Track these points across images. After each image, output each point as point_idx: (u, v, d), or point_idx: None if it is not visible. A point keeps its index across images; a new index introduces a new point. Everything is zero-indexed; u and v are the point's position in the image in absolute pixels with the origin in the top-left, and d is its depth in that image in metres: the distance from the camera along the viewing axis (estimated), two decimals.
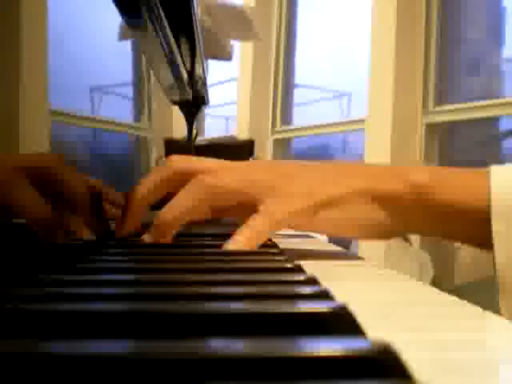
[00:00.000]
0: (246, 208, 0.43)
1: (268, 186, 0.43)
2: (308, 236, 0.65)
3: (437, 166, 2.39)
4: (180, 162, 0.46)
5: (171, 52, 0.75)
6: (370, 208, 0.42)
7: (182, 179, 0.44)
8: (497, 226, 0.38)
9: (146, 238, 0.43)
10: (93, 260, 0.31)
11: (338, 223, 0.43)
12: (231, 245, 0.41)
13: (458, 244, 0.46)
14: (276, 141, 3.17)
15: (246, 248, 0.41)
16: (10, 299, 0.20)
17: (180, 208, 0.43)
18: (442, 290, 0.24)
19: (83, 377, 0.12)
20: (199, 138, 1.75)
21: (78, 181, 0.42)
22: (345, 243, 2.15)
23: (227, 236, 0.42)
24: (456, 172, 0.43)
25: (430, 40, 2.47)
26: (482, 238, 0.40)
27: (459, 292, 0.22)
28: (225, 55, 1.64)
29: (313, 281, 0.24)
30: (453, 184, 0.42)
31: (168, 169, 0.45)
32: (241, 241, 0.41)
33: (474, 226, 0.40)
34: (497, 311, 0.21)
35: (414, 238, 2.19)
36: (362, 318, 0.17)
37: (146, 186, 0.44)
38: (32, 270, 0.27)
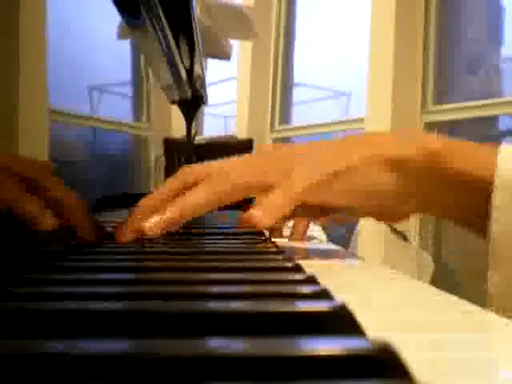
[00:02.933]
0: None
1: (282, 169, 0.43)
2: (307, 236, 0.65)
3: None
4: (189, 168, 0.45)
5: (170, 51, 0.75)
6: (384, 173, 0.43)
7: (195, 184, 0.43)
8: (498, 196, 0.39)
9: (147, 226, 0.40)
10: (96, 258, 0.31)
11: (355, 191, 0.44)
12: (248, 218, 0.40)
13: None
14: (275, 140, 3.16)
15: (266, 222, 0.40)
16: None
17: (188, 205, 0.42)
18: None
19: (81, 376, 0.12)
20: (198, 137, 1.75)
21: (64, 189, 0.41)
22: (344, 243, 2.15)
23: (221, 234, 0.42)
24: (469, 144, 0.44)
25: (429, 39, 2.46)
26: (484, 211, 0.40)
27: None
28: (224, 55, 1.64)
29: (312, 280, 0.24)
30: (464, 153, 0.43)
31: (177, 179, 0.44)
32: (258, 215, 0.40)
33: (479, 197, 0.41)
34: None
35: (414, 237, 2.18)
36: (361, 318, 0.17)
37: (154, 196, 0.43)
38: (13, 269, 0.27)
